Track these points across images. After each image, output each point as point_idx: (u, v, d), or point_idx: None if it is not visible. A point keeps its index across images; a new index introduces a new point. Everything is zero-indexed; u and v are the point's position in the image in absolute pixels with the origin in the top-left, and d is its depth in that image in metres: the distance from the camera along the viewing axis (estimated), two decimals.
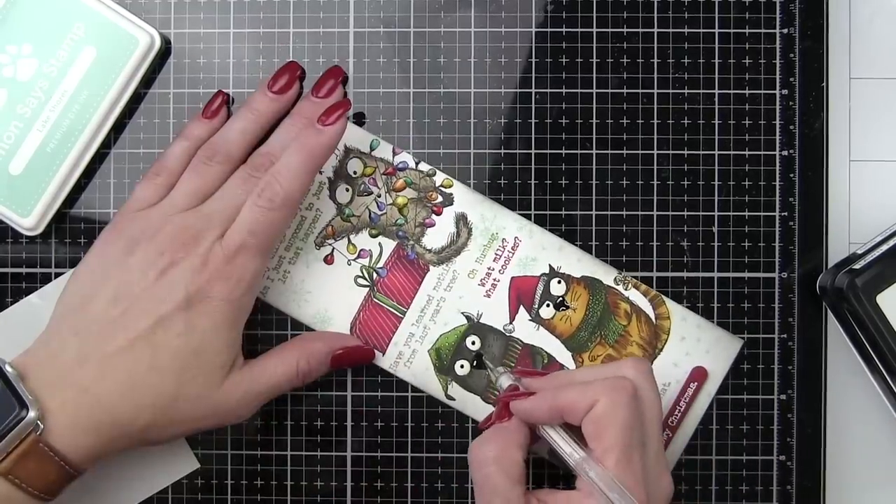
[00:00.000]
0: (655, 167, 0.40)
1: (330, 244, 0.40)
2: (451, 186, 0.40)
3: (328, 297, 0.39)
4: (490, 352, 0.39)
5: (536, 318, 0.39)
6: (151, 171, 0.37)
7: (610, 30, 0.40)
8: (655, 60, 0.40)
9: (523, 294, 0.39)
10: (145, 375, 0.33)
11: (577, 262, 0.39)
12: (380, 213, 0.40)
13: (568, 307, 0.39)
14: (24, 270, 0.40)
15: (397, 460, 0.40)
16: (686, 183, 0.40)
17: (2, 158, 0.39)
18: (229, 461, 0.40)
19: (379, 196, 0.40)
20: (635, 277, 0.39)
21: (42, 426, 0.32)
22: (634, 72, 0.40)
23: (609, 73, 0.40)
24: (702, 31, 0.40)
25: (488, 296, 0.39)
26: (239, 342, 0.36)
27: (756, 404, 0.40)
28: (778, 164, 0.40)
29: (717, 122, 0.40)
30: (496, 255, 0.39)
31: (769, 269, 0.40)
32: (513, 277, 0.39)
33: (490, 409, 0.39)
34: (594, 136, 0.40)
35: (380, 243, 0.39)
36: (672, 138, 0.40)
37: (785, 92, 0.40)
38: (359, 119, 0.40)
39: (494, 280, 0.39)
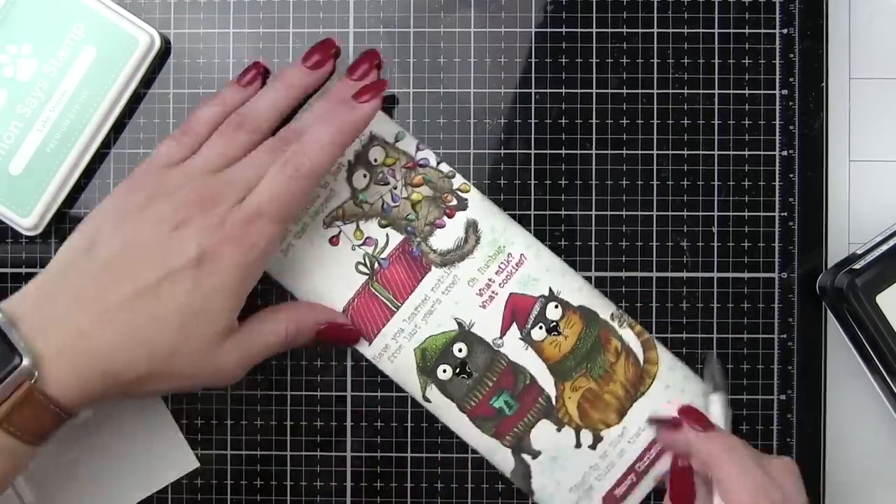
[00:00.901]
0: (655, 167, 0.40)
1: (338, 226, 0.39)
2: (467, 192, 0.39)
3: (327, 277, 0.39)
4: (475, 362, 0.39)
5: (527, 338, 0.39)
6: (178, 131, 0.37)
7: (610, 30, 0.40)
8: (655, 60, 0.40)
9: (518, 312, 0.39)
10: (145, 327, 0.33)
11: (577, 291, 0.39)
12: (393, 204, 0.39)
13: (560, 333, 0.39)
14: (24, 270, 0.40)
15: (397, 460, 0.40)
16: (686, 183, 0.40)
17: (2, 158, 0.39)
18: (229, 461, 0.40)
19: (395, 188, 0.39)
20: (632, 317, 0.39)
21: (37, 374, 0.31)
22: (634, 72, 0.40)
23: (609, 73, 0.40)
24: (702, 31, 0.40)
25: (484, 307, 0.39)
26: (240, 307, 0.35)
27: (756, 404, 0.40)
28: (778, 164, 0.40)
29: (716, 122, 0.40)
30: (499, 267, 0.39)
31: (769, 269, 0.40)
32: (511, 293, 0.39)
33: (464, 417, 0.39)
34: (594, 136, 0.40)
35: (387, 234, 0.39)
36: (672, 138, 0.40)
37: (785, 92, 0.40)
38: (388, 107, 0.40)
39: (493, 292, 0.39)
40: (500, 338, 0.39)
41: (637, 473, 0.39)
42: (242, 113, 0.37)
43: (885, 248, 0.37)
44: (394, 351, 0.39)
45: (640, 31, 0.40)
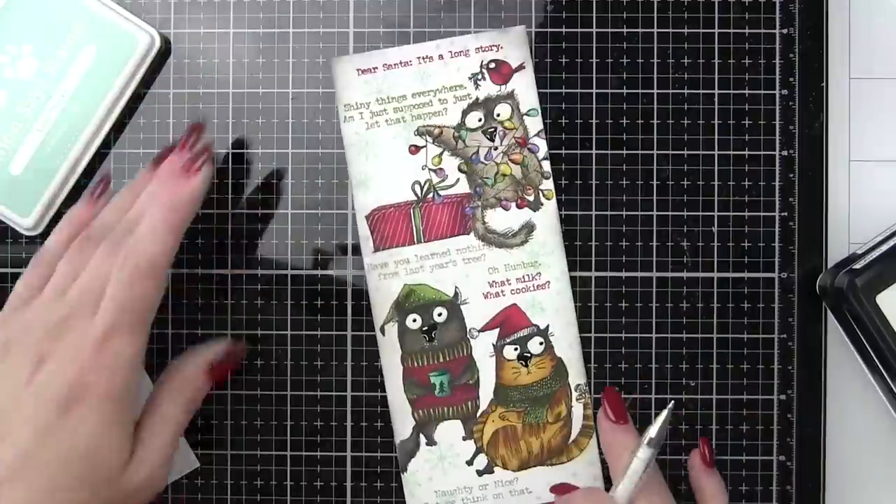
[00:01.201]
0: (655, 167, 0.40)
1: (427, 141, 0.39)
2: (549, 198, 0.40)
3: (384, 171, 0.39)
4: (443, 334, 0.39)
5: (498, 349, 0.39)
6: (31, 264, 0.36)
7: (610, 30, 0.40)
8: (655, 60, 0.40)
9: (508, 323, 0.39)
10: (44, 495, 0.31)
11: (567, 346, 0.39)
12: (483, 160, 0.39)
13: (526, 366, 0.39)
14: (23, 270, 0.40)
15: (397, 460, 0.40)
16: (686, 183, 0.40)
17: (2, 158, 0.39)
18: (229, 461, 0.40)
19: (495, 149, 0.39)
20: (594, 398, 0.39)
21: None
22: (634, 72, 0.40)
23: (609, 73, 0.40)
24: (702, 31, 0.40)
25: (486, 297, 0.39)
26: (131, 432, 0.34)
27: (756, 404, 0.40)
28: (778, 164, 0.40)
29: (717, 122, 0.40)
30: (523, 277, 0.39)
31: (769, 269, 0.40)
32: (515, 304, 0.39)
33: (400, 369, 0.39)
34: (594, 136, 0.40)
35: (458, 179, 0.39)
36: (672, 138, 0.40)
37: (785, 92, 0.40)
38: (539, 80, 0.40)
39: (501, 292, 0.39)
40: (479, 331, 0.39)
41: None
42: (91, 226, 0.36)
43: (885, 248, 0.37)
44: (388, 273, 0.39)
45: (640, 31, 0.40)
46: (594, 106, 0.40)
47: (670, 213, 0.40)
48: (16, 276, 0.40)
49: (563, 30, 0.40)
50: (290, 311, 0.40)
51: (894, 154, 0.41)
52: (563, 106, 0.40)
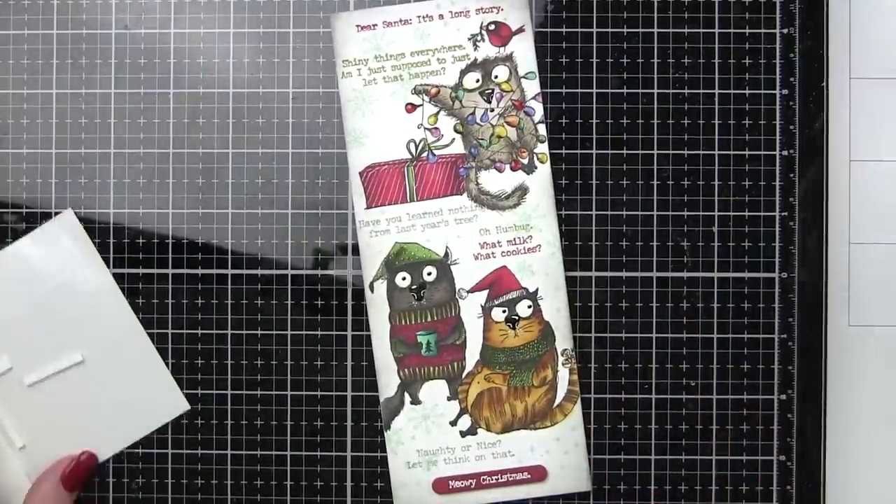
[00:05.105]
0: (655, 167, 0.40)
1: (423, 100, 0.40)
2: (543, 162, 0.40)
3: (379, 129, 0.39)
4: (432, 293, 0.39)
5: (486, 310, 0.40)
6: None
7: (610, 30, 0.40)
8: (655, 60, 0.40)
9: (497, 285, 0.40)
10: None
11: (556, 310, 0.40)
12: (479, 122, 0.40)
13: (514, 329, 0.39)
14: None
15: None
16: (686, 183, 0.40)
17: None
18: (229, 461, 0.40)
19: (491, 110, 0.40)
20: (579, 364, 0.40)
21: None
22: (634, 72, 0.40)
23: (609, 73, 0.40)
24: (702, 31, 0.40)
25: (476, 258, 0.40)
26: None
27: (756, 404, 0.40)
28: (778, 164, 0.40)
29: (717, 122, 0.40)
30: (514, 239, 0.39)
31: (769, 269, 0.40)
32: (505, 266, 0.39)
33: (387, 327, 0.39)
34: (594, 136, 0.40)
35: (454, 139, 0.40)
36: (672, 138, 0.40)
37: (785, 92, 0.40)
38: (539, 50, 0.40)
39: (492, 254, 0.40)
40: (468, 292, 0.40)
41: (479, 482, 0.39)
42: None
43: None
44: (380, 230, 0.39)
45: (640, 31, 0.40)
46: (594, 106, 0.40)
47: (670, 213, 0.40)
48: None
49: (563, 30, 0.40)
50: (290, 311, 0.40)
51: (894, 154, 0.41)
52: (563, 106, 0.40)
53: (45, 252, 0.40)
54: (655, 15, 0.40)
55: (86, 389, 0.40)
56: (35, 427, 0.40)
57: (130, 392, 0.40)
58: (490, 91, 0.39)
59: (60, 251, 0.40)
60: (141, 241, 0.40)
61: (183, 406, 0.40)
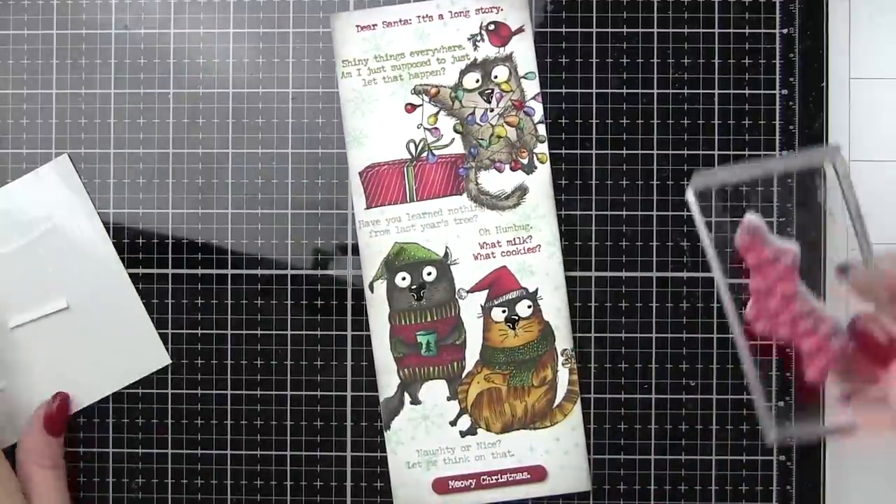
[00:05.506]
0: (655, 167, 0.40)
1: (423, 100, 0.40)
2: (543, 162, 0.40)
3: (379, 129, 0.39)
4: (432, 293, 0.39)
5: (486, 310, 0.40)
6: None
7: (610, 30, 0.40)
8: (655, 60, 0.40)
9: (497, 285, 0.40)
10: None
11: (556, 310, 0.40)
12: (478, 122, 0.40)
13: (514, 329, 0.39)
14: None
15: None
16: (686, 183, 0.40)
17: None
18: (229, 461, 0.40)
19: (491, 110, 0.40)
20: (579, 364, 0.40)
21: None
22: (634, 72, 0.40)
23: (609, 73, 0.40)
24: (702, 31, 0.40)
25: (476, 258, 0.40)
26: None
27: None
28: None
29: (717, 122, 0.40)
30: (514, 240, 0.39)
31: None
32: (505, 266, 0.39)
33: (387, 327, 0.39)
34: (594, 136, 0.40)
35: (453, 139, 0.40)
36: (672, 138, 0.40)
37: (785, 92, 0.40)
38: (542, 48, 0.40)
39: (492, 254, 0.40)
40: (467, 292, 0.40)
41: (478, 482, 0.39)
42: None
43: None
44: (380, 230, 0.40)
45: (640, 31, 0.40)
46: (594, 106, 0.40)
47: (670, 214, 0.40)
48: None
49: (563, 30, 0.40)
50: (290, 311, 0.40)
51: (894, 154, 0.41)
52: (563, 106, 0.40)
53: (37, 196, 0.40)
54: (655, 15, 0.40)
55: (69, 336, 0.40)
56: (16, 369, 0.40)
57: (113, 343, 0.40)
58: (490, 91, 0.39)
59: (54, 196, 0.40)
60: (141, 241, 0.40)
61: (164, 359, 0.40)
